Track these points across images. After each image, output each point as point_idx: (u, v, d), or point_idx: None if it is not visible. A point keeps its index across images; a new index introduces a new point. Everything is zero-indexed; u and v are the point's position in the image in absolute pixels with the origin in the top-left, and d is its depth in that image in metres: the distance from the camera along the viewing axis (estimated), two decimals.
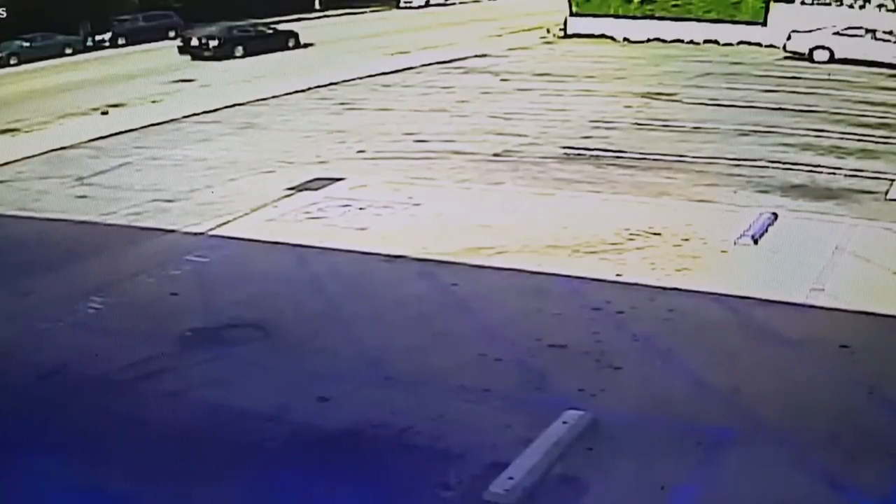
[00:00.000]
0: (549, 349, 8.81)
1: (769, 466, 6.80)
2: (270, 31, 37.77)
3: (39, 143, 19.66)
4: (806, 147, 17.10)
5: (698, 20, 34.41)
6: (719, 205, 13.46)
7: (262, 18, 46.47)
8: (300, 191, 14.70)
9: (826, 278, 10.39)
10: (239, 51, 34.51)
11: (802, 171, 15.34)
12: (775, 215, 12.52)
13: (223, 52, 34.02)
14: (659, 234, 11.97)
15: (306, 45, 37.41)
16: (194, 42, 34.68)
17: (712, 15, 34.26)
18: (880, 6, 31.94)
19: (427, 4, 58.05)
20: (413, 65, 29.87)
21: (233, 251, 12.13)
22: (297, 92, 25.02)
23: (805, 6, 32.83)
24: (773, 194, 14.04)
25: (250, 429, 7.56)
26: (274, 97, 24.40)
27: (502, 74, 27.49)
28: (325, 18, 51.83)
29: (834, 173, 15.17)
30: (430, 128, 19.74)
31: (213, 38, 34.62)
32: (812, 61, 28.74)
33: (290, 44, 36.86)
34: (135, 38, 40.48)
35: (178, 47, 35.11)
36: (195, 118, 21.92)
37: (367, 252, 11.62)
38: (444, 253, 11.48)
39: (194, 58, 34.01)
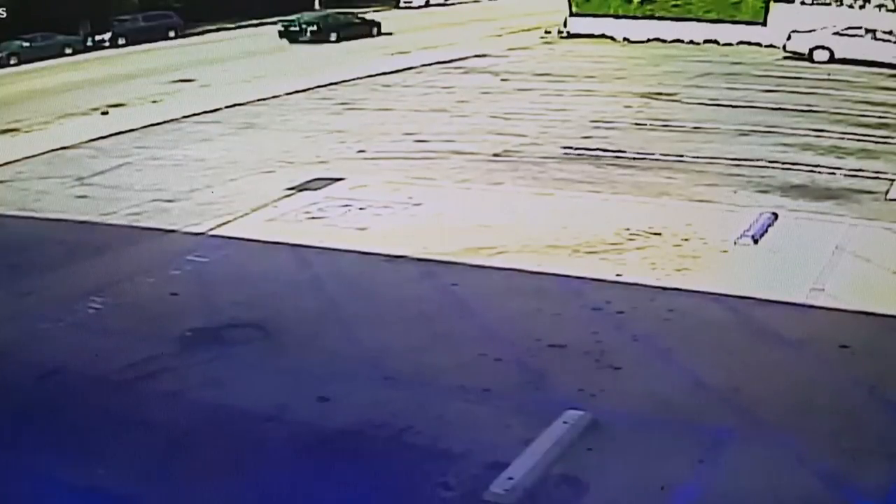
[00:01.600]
0: (548, 349, 8.81)
1: (769, 466, 6.80)
2: (358, 21, 41.11)
3: (39, 143, 19.67)
4: (806, 147, 17.10)
5: (698, 20, 34.41)
6: (719, 205, 13.46)
7: (261, 18, 46.72)
8: (300, 191, 14.71)
9: (826, 278, 10.38)
10: (333, 36, 37.78)
11: (802, 171, 15.34)
12: (775, 215, 12.52)
13: (320, 37, 37.25)
14: (659, 234, 11.97)
15: (387, 34, 40.58)
16: (294, 28, 37.77)
17: (712, 15, 34.26)
18: (880, 6, 31.93)
19: (427, 4, 58.05)
20: (413, 65, 29.88)
21: (233, 251, 12.13)
22: (297, 92, 25.03)
23: (805, 6, 32.83)
24: (773, 194, 14.04)
25: (250, 429, 7.56)
26: (274, 97, 24.41)
27: (502, 74, 27.49)
28: None
29: (834, 173, 15.17)
30: (430, 128, 19.74)
31: (311, 24, 37.92)
32: (812, 61, 28.74)
33: (374, 31, 40.11)
34: (135, 38, 40.49)
35: (279, 31, 37.96)
36: (195, 118, 21.92)
37: (368, 252, 11.62)
38: (444, 253, 11.48)
39: (291, 41, 37.31)
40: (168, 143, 19.35)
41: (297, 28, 37.78)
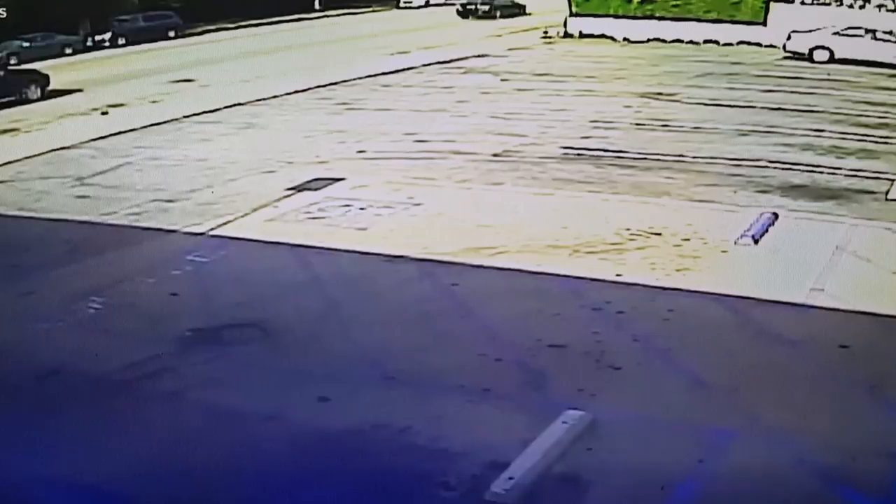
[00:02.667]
0: (549, 349, 8.81)
1: (769, 466, 6.81)
2: (511, 4, 50.42)
3: (39, 143, 19.66)
4: (806, 147, 17.11)
5: (698, 20, 34.44)
6: (719, 205, 13.46)
7: (260, 18, 46.90)
8: (300, 191, 14.70)
9: (826, 278, 10.39)
10: (497, 14, 48.38)
11: (802, 171, 15.35)
12: (775, 215, 12.52)
13: (489, 15, 48.24)
14: (659, 234, 11.97)
15: (528, 14, 48.12)
16: (471, 6, 49.52)
17: (712, 15, 34.29)
18: (880, 6, 31.96)
19: (427, 4, 58.11)
20: (413, 65, 29.88)
21: (233, 251, 12.13)
22: (297, 92, 25.02)
23: (805, 6, 32.85)
24: (773, 194, 14.05)
25: (250, 429, 7.56)
26: (274, 97, 24.40)
27: (502, 74, 27.50)
28: (325, 18, 51.85)
29: (834, 173, 15.18)
30: (431, 128, 19.74)
31: (484, 4, 49.39)
32: (812, 61, 28.76)
33: (523, 12, 49.46)
34: (135, 38, 40.49)
35: (457, 11, 49.59)
36: (195, 118, 21.92)
37: (368, 252, 11.62)
38: (444, 253, 11.48)
39: (464, 18, 48.78)
40: (168, 143, 19.34)
41: (473, 7, 49.40)
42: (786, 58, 29.67)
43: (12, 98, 25.72)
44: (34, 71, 28.49)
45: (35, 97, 26.34)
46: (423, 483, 6.75)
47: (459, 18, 49.09)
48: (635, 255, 11.28)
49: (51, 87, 27.04)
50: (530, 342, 8.96)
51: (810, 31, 29.78)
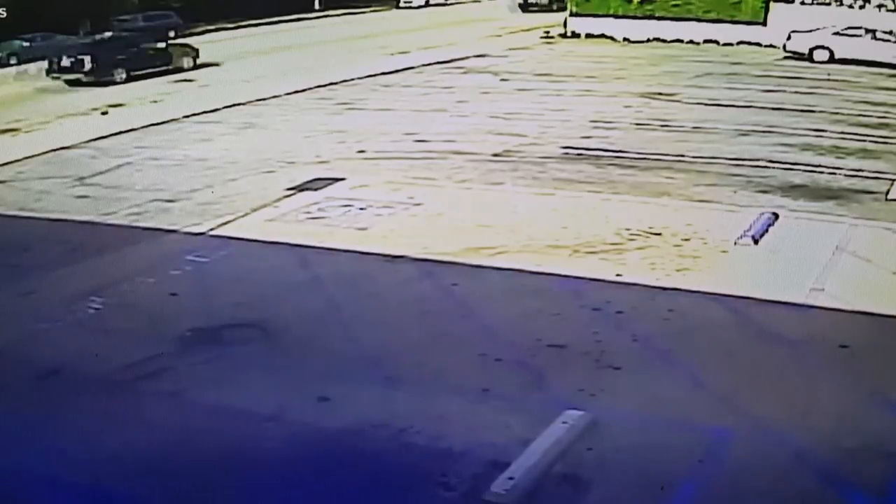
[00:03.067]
0: (548, 349, 8.81)
1: (769, 466, 6.81)
2: None
3: (39, 143, 19.66)
4: (806, 147, 17.11)
5: (698, 20, 34.46)
6: (719, 205, 13.47)
7: (260, 18, 46.96)
8: (301, 191, 14.71)
9: (826, 278, 10.39)
10: (555, 6, 47.48)
11: (802, 171, 15.35)
12: (775, 215, 12.52)
13: (545, 9, 48.72)
14: (659, 234, 11.97)
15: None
16: (531, 0, 52.20)
17: (712, 15, 34.30)
18: (880, 6, 31.97)
19: (427, 4, 58.10)
20: (413, 65, 29.87)
21: (233, 251, 12.13)
22: (297, 92, 25.02)
23: (805, 6, 32.86)
24: (773, 194, 14.05)
25: (250, 429, 7.56)
26: (274, 97, 24.40)
27: (502, 74, 27.50)
28: (325, 18, 51.84)
29: (834, 173, 15.18)
30: (430, 128, 19.74)
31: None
32: (812, 61, 28.77)
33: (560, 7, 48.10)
34: None
35: (519, 4, 51.68)
36: (195, 118, 21.92)
37: (368, 252, 11.63)
38: (444, 253, 11.48)
39: (524, 11, 50.44)
40: (168, 143, 19.35)
41: (534, 1, 52.19)
42: (786, 58, 29.68)
43: (170, 67, 31.05)
44: (188, 45, 33.94)
45: (188, 67, 31.86)
46: (423, 483, 6.75)
47: (502, 14, 50.58)
48: (635, 255, 11.28)
49: None
50: (530, 342, 8.96)
51: (810, 31, 29.80)
